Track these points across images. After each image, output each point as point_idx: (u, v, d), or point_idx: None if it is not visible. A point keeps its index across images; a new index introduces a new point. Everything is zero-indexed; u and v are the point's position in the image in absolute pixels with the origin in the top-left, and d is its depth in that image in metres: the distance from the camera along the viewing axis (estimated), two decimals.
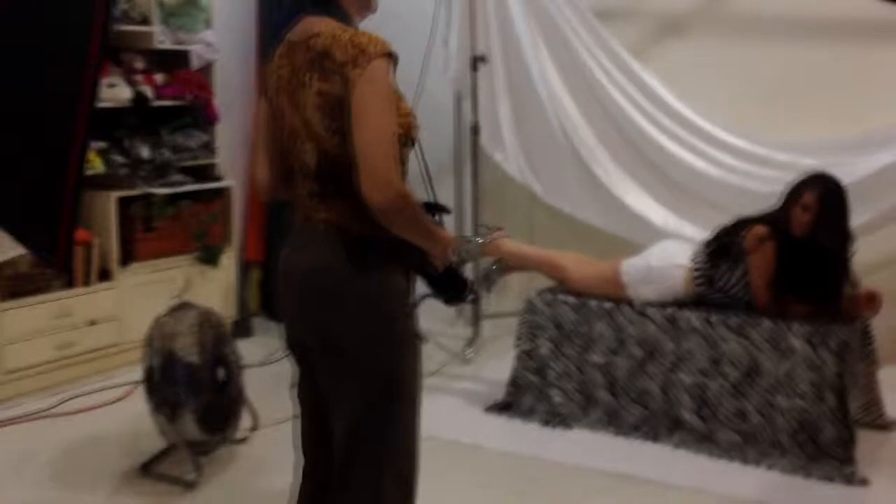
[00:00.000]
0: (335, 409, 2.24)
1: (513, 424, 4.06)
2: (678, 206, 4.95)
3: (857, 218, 3.86)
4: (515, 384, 4.15)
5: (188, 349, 3.48)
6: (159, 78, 4.95)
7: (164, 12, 4.90)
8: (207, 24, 5.10)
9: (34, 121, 2.86)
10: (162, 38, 4.91)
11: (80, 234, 4.46)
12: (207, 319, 3.60)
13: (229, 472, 3.64)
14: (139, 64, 4.89)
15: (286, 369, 4.40)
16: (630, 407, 3.94)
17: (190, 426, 3.45)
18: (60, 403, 4.29)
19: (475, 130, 5.14)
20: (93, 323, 4.66)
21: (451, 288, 2.36)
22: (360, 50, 2.07)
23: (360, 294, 2.15)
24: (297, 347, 2.34)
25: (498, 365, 4.53)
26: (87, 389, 4.44)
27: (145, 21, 4.85)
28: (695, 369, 3.81)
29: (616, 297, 4.00)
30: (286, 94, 2.19)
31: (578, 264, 4.19)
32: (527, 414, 4.08)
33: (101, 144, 4.71)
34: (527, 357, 4.13)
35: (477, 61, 5.02)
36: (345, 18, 2.19)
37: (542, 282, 4.36)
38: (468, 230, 5.23)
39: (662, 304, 3.91)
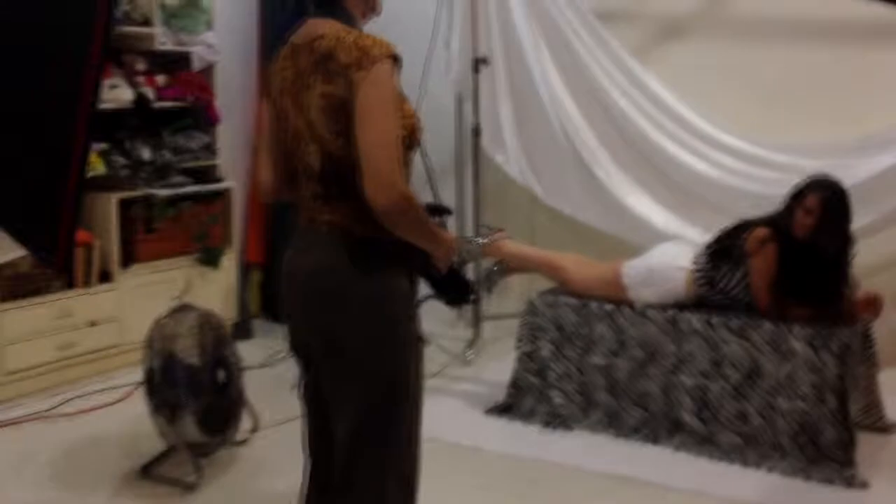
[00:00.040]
0: (338, 410, 2.24)
1: (513, 426, 4.06)
2: (679, 207, 4.95)
3: (859, 220, 3.86)
4: (516, 386, 4.15)
5: (188, 351, 3.48)
6: (161, 79, 4.96)
7: (165, 14, 4.91)
8: (209, 25, 5.11)
9: (34, 121, 2.86)
10: (163, 40, 4.91)
11: (81, 235, 4.46)
12: (208, 321, 3.60)
13: (229, 473, 3.64)
14: (141, 65, 4.89)
15: (286, 371, 4.42)
16: (631, 409, 3.94)
17: (190, 428, 3.45)
18: (61, 404, 4.29)
19: (476, 132, 5.14)
20: (93, 324, 4.66)
21: (454, 289, 2.37)
22: (364, 52, 2.07)
23: (364, 296, 2.15)
24: (300, 349, 2.34)
25: (498, 366, 4.53)
26: (87, 390, 4.44)
27: (147, 22, 4.86)
28: (696, 371, 3.81)
29: (617, 298, 4.00)
30: (290, 95, 2.19)
31: (579, 266, 4.19)
32: (527, 415, 4.08)
33: (103, 146, 4.72)
34: (527, 359, 4.12)
35: (478, 63, 5.02)
36: (349, 20, 2.19)
37: (543, 283, 4.36)
38: (469, 231, 5.23)
39: (663, 306, 3.91)
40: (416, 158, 2.27)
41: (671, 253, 4.06)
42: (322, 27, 2.16)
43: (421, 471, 2.33)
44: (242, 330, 5.28)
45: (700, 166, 4.90)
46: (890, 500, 3.42)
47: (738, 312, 3.81)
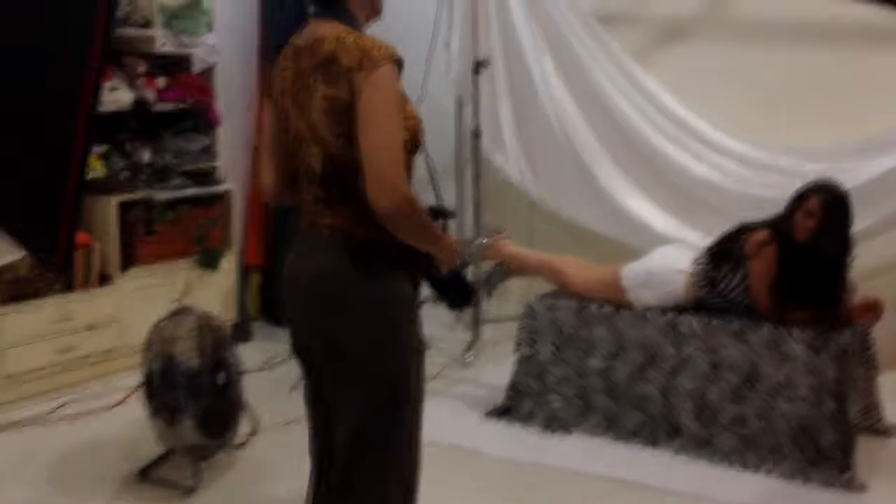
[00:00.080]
0: (339, 413, 2.24)
1: (512, 429, 4.05)
2: (679, 211, 4.95)
3: (859, 222, 3.85)
4: (515, 389, 4.15)
5: (188, 353, 3.47)
6: (161, 82, 4.95)
7: (165, 15, 4.90)
8: (209, 27, 5.10)
9: (34, 121, 2.86)
10: (164, 42, 4.91)
11: (81, 237, 4.46)
12: (207, 324, 3.59)
13: (228, 477, 3.64)
14: (141, 68, 4.89)
15: (286, 374, 4.42)
16: (630, 412, 3.93)
17: (189, 431, 3.44)
18: (60, 407, 4.28)
19: (476, 134, 5.13)
20: (93, 327, 4.66)
21: (456, 292, 2.37)
22: (365, 54, 2.07)
23: (366, 299, 2.15)
24: (302, 353, 2.34)
25: (497, 369, 4.53)
26: (86, 394, 4.43)
27: (147, 24, 4.85)
28: (695, 374, 3.80)
29: (616, 301, 4.00)
30: (291, 97, 2.19)
31: (579, 268, 4.19)
32: (526, 419, 4.07)
33: (103, 148, 4.71)
34: (526, 362, 4.12)
35: (479, 65, 5.02)
36: (352, 22, 2.19)
37: (543, 287, 4.35)
38: (469, 234, 5.23)
39: (663, 309, 3.91)
40: (419, 160, 2.27)
41: (671, 256, 4.06)
42: (323, 29, 2.16)
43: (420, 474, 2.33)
44: (242, 332, 5.28)
45: (700, 169, 4.90)
46: (889, 503, 3.42)
47: (738, 315, 3.81)
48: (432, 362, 4.70)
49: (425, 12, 5.07)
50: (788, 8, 4.85)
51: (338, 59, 2.09)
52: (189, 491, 3.47)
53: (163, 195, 4.86)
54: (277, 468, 3.67)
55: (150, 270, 4.89)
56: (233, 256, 5.29)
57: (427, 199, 2.28)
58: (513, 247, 4.37)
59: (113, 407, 4.28)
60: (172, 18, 4.93)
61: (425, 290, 2.34)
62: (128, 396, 4.16)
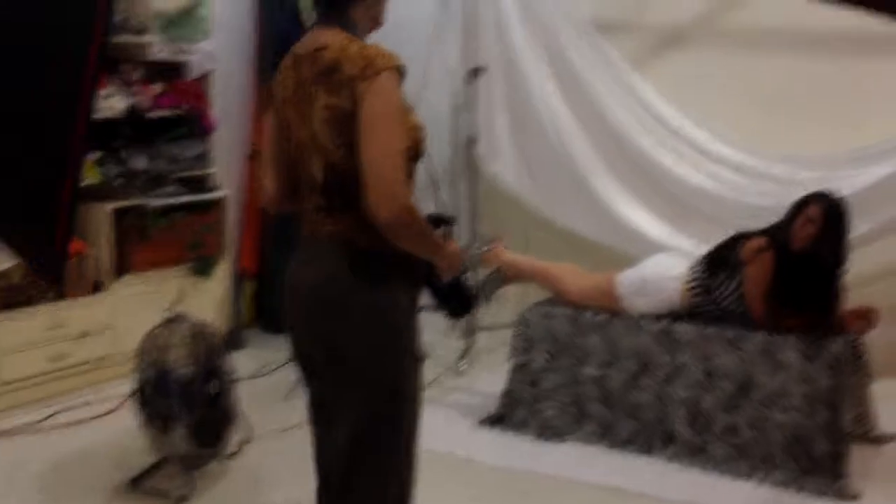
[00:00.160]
0: (338, 418, 2.24)
1: (506, 437, 4.04)
2: (674, 219, 4.96)
3: (856, 229, 3.87)
4: (509, 397, 4.14)
5: (181, 361, 3.46)
6: (156, 88, 4.95)
7: (162, 22, 4.90)
8: (206, 34, 5.10)
9: (34, 121, 2.85)
10: (160, 48, 4.90)
11: (75, 244, 4.44)
12: (200, 331, 3.58)
13: (221, 486, 3.62)
14: (136, 74, 4.89)
15: (279, 381, 4.41)
16: (623, 420, 3.92)
17: (182, 439, 3.43)
18: (52, 415, 4.26)
19: (472, 142, 5.13)
20: (86, 335, 4.64)
21: (457, 301, 2.36)
22: (368, 62, 2.07)
23: (366, 305, 2.15)
24: (303, 360, 2.33)
25: (491, 377, 4.52)
26: (79, 402, 4.41)
27: (143, 31, 4.85)
28: (689, 382, 3.80)
29: (611, 309, 4.00)
30: (293, 106, 2.20)
31: (574, 276, 4.20)
32: (520, 426, 4.06)
33: (97, 154, 4.70)
34: (521, 369, 4.11)
35: (475, 73, 5.02)
36: (354, 30, 2.19)
37: (538, 294, 4.35)
38: (464, 241, 5.22)
39: (657, 317, 3.91)
40: (420, 168, 2.26)
41: (665, 263, 4.07)
42: (326, 37, 2.16)
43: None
44: (235, 340, 5.26)
45: (695, 178, 4.90)
46: None
47: (732, 323, 3.81)
48: (426, 370, 4.72)
49: (423, 20, 5.07)
50: (786, 16, 4.85)
51: (340, 67, 2.09)
52: (181, 500, 3.45)
53: (157, 202, 4.85)
54: (271, 477, 3.66)
55: (143, 278, 4.87)
56: (226, 264, 5.28)
57: (428, 207, 2.28)
58: (509, 254, 4.37)
59: (105, 415, 4.26)
60: (169, 25, 4.93)
61: (425, 298, 2.33)
62: (121, 405, 4.15)
